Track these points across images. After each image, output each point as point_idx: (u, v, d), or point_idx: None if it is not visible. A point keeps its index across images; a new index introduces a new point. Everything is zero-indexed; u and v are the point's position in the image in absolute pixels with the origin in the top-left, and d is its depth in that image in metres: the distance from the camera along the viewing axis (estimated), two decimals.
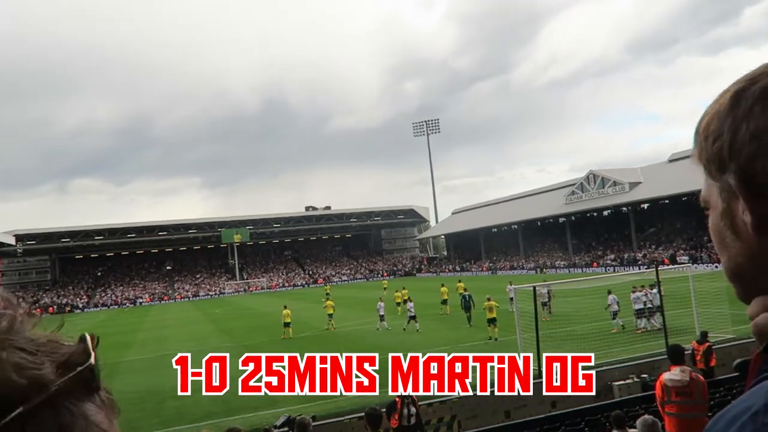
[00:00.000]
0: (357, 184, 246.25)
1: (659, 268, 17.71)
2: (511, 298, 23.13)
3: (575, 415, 10.74)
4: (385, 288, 55.56)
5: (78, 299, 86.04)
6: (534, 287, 17.29)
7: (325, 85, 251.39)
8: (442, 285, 35.58)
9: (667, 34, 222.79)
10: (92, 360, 0.48)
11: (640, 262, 56.67)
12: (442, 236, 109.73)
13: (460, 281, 40.45)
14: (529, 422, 10.82)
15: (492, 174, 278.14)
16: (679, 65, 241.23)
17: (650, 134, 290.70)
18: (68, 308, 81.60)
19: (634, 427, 6.46)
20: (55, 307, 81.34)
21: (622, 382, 13.41)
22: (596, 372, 13.92)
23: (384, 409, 9.46)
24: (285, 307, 29.39)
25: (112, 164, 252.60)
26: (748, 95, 0.60)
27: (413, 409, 10.18)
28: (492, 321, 22.72)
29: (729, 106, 0.63)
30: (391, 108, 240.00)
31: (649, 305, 21.14)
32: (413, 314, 26.70)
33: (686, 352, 9.93)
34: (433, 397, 13.06)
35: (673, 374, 6.30)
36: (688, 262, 44.30)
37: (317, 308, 42.04)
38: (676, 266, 38.03)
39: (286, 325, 28.35)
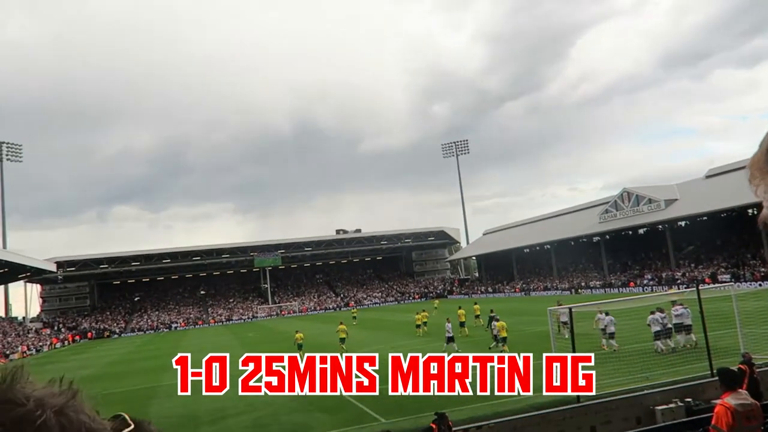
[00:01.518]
0: (387, 206, 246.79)
1: (700, 287, 17.20)
2: (564, 321, 22.98)
3: None
4: (435, 307, 55.47)
5: (115, 324, 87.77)
6: (570, 308, 16.97)
7: (355, 108, 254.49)
8: (459, 307, 36.03)
9: (701, 47, 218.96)
10: None
11: (679, 281, 55.14)
12: (473, 257, 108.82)
13: (476, 303, 41.12)
14: None
15: (523, 194, 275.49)
16: (714, 78, 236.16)
17: (686, 150, 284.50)
18: (106, 333, 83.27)
19: None
20: (93, 332, 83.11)
21: (665, 406, 12.97)
22: (637, 396, 13.53)
23: None
24: (297, 331, 30.91)
25: (148, 191, 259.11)
26: None
27: None
28: (503, 340, 24.42)
29: None
30: (421, 129, 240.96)
31: (668, 326, 20.88)
32: (451, 335, 26.44)
33: None
34: (469, 421, 12.87)
35: (740, 398, 6.03)
36: (730, 281, 42.85)
37: (351, 330, 42.01)
38: (717, 285, 36.83)
39: (299, 347, 28.79)
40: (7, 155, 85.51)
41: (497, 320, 25.98)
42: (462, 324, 33.34)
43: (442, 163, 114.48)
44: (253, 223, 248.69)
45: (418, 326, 36.04)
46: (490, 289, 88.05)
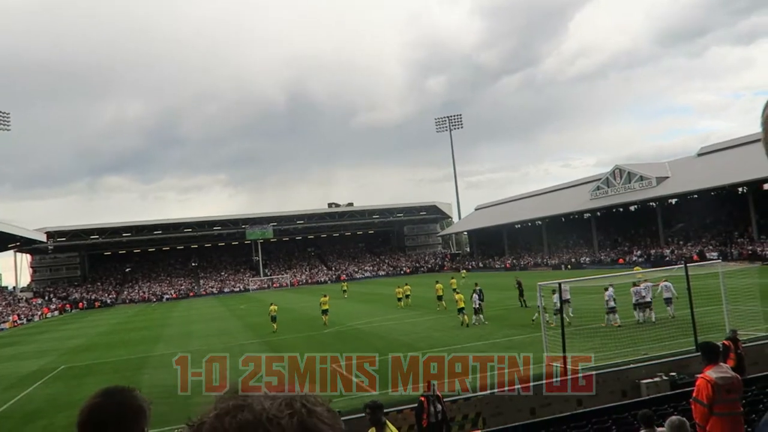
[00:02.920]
0: (380, 180, 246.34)
1: (688, 264, 17.39)
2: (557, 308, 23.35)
3: (602, 413, 10.63)
4: (464, 277, 56.19)
5: (106, 295, 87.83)
6: (559, 283, 17.13)
7: (350, 80, 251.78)
8: (437, 282, 37.21)
9: (698, 24, 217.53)
10: None
11: (668, 258, 55.71)
12: (465, 233, 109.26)
13: (452, 278, 42.11)
14: (555, 420, 10.74)
15: (516, 169, 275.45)
16: (711, 56, 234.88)
17: (680, 127, 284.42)
18: (97, 303, 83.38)
19: (663, 426, 6.35)
20: (84, 302, 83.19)
21: (650, 380, 13.22)
22: (623, 370, 13.76)
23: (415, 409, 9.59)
24: (271, 304, 32.83)
25: (140, 162, 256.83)
26: None
27: (439, 406, 10.19)
28: (461, 310, 26.43)
29: None
30: (416, 103, 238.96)
31: (646, 299, 22.18)
32: (478, 305, 26.27)
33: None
34: (458, 394, 13.06)
35: (720, 371, 6.14)
36: (718, 258, 43.36)
37: (342, 303, 42.32)
38: (705, 262, 37.26)
39: (273, 319, 31.18)
40: None
41: (456, 292, 28.35)
42: (439, 298, 34.55)
43: (436, 137, 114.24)
44: (245, 196, 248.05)
45: (399, 299, 37.63)
46: (480, 264, 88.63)
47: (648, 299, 22.24)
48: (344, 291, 53.36)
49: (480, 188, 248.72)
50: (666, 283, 22.66)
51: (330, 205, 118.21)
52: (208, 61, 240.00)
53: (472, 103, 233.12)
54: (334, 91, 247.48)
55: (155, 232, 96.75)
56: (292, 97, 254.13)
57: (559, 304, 22.18)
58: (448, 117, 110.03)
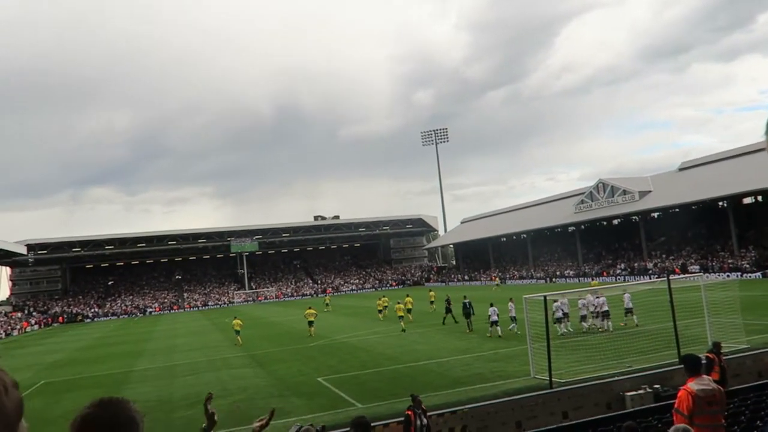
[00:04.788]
0: (367, 192, 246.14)
1: (670, 277, 17.60)
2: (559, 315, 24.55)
3: (587, 426, 10.68)
4: (497, 285, 57.50)
5: (88, 308, 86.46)
6: (545, 297, 17.23)
7: (337, 93, 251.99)
8: (407, 295, 38.94)
9: (681, 41, 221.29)
10: None
11: (650, 271, 56.27)
12: (451, 245, 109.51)
13: (431, 291, 43.22)
14: None
15: (502, 183, 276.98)
16: (693, 72, 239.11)
17: (662, 142, 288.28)
18: (79, 317, 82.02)
19: None
20: (65, 316, 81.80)
21: (634, 392, 13.31)
22: (608, 382, 13.85)
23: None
24: (235, 317, 33.47)
25: (125, 174, 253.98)
26: None
27: (425, 420, 10.16)
28: (401, 318, 31.47)
29: None
30: (403, 116, 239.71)
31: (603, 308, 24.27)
32: (514, 314, 26.26)
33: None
34: (445, 406, 13.05)
35: (702, 384, 6.20)
36: (699, 271, 43.91)
37: (326, 317, 42.12)
38: (687, 275, 37.73)
39: (237, 333, 31.84)
40: None
41: (449, 303, 31.14)
42: (409, 311, 35.23)
43: (423, 150, 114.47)
44: (230, 208, 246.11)
45: (380, 311, 39.21)
46: (466, 277, 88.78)
47: (605, 309, 24.17)
48: (327, 305, 53.15)
49: (466, 201, 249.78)
50: (627, 294, 24.34)
51: (316, 217, 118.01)
52: (194, 73, 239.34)
53: (459, 117, 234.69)
54: (321, 103, 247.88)
55: (139, 245, 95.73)
56: (278, 109, 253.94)
57: (560, 314, 23.87)
58: (434, 130, 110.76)
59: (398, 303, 33.39)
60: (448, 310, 32.03)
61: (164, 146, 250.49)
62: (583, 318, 24.54)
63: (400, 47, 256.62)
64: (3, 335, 62.07)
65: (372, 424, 12.27)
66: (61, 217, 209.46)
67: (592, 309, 24.67)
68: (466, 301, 28.14)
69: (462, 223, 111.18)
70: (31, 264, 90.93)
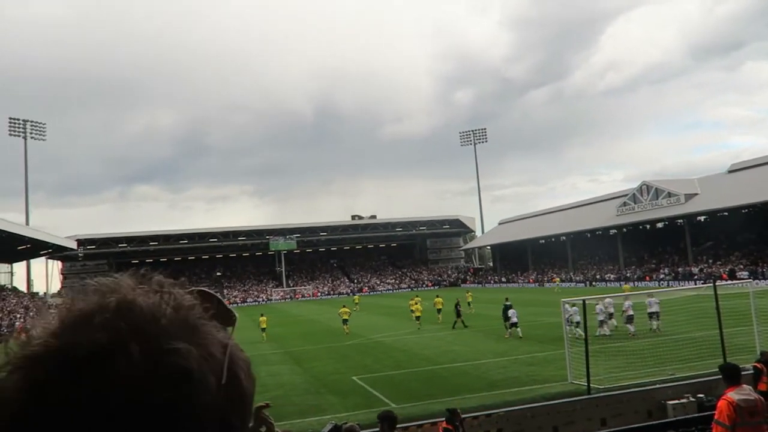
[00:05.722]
0: (404, 192, 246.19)
1: (717, 283, 17.03)
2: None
3: None
4: (558, 286, 60.08)
5: None
6: (584, 300, 16.93)
7: (377, 92, 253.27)
8: (437, 296, 38.29)
9: (733, 38, 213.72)
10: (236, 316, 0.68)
11: (696, 277, 54.53)
12: (488, 247, 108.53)
13: (468, 292, 42.83)
14: None
15: (542, 184, 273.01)
16: (745, 70, 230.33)
17: (711, 143, 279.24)
18: None
19: None
20: None
21: (676, 401, 12.94)
22: (649, 390, 13.51)
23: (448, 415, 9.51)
24: (262, 315, 34.98)
25: (169, 172, 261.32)
26: None
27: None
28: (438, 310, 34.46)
29: None
30: (443, 115, 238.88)
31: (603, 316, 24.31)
32: (515, 321, 26.32)
33: (745, 372, 9.47)
34: (480, 409, 12.96)
35: (742, 393, 6.01)
36: (748, 278, 42.29)
37: (361, 316, 42.36)
38: (735, 282, 36.40)
39: (263, 330, 33.31)
40: (31, 134, 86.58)
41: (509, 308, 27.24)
42: (439, 311, 35.37)
43: (462, 150, 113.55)
44: (270, 206, 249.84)
45: (439, 311, 36.55)
46: (503, 279, 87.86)
47: (630, 313, 24.12)
48: (356, 304, 53.33)
49: (505, 202, 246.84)
50: (652, 299, 23.99)
51: (353, 217, 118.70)
52: (237, 73, 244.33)
53: (499, 116, 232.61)
54: (360, 102, 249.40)
55: (181, 242, 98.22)
56: (318, 108, 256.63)
57: (601, 318, 23.97)
58: (472, 130, 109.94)
59: (411, 301, 35.95)
60: (458, 314, 31.56)
61: (207, 145, 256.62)
62: (601, 323, 24.33)
63: (440, 45, 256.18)
64: None
65: (406, 425, 12.30)
66: (109, 213, 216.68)
67: (612, 311, 24.81)
68: (508, 303, 27.62)
69: (500, 224, 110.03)
70: (81, 258, 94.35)
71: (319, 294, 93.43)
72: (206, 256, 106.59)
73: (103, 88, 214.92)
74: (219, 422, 0.55)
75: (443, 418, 10.20)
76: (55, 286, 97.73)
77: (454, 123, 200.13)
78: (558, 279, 71.24)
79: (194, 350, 0.56)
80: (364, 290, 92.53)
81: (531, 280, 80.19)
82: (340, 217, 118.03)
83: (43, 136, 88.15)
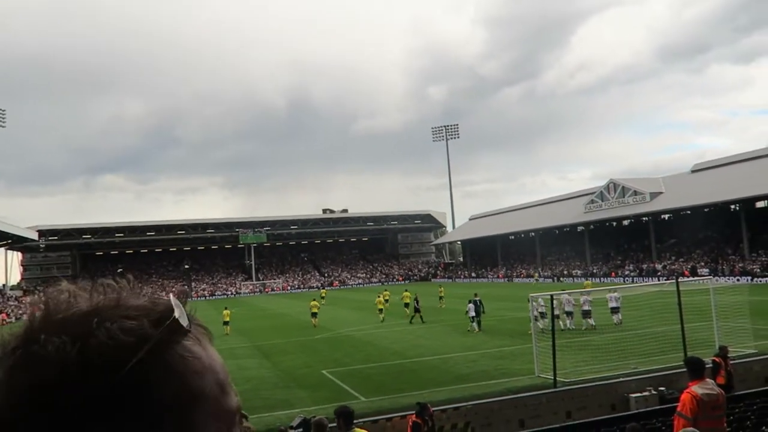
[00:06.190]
0: (377, 187, 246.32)
1: (679, 280, 17.48)
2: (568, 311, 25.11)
3: (590, 426, 10.66)
4: (536, 280, 62.23)
5: None
6: (551, 295, 17.20)
7: (351, 86, 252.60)
8: (405, 290, 38.65)
9: (700, 41, 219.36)
10: (175, 314, 0.60)
11: (659, 273, 55.94)
12: (459, 242, 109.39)
13: (440, 287, 42.96)
14: (544, 431, 10.76)
15: (513, 180, 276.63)
16: (710, 74, 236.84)
17: (677, 144, 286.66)
18: None
19: None
20: None
21: (638, 394, 13.26)
22: (613, 383, 13.81)
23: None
24: (225, 308, 34.75)
25: (137, 162, 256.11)
26: None
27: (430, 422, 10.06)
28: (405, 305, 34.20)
29: None
30: (416, 111, 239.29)
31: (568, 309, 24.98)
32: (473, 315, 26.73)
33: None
34: (448, 402, 13.06)
35: (706, 387, 6.15)
36: (709, 275, 43.59)
37: (330, 310, 42.29)
38: (696, 278, 37.48)
39: (225, 323, 32.69)
40: None
41: (475, 303, 27.32)
42: (406, 305, 35.34)
43: (435, 146, 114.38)
44: (240, 199, 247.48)
45: (406, 305, 36.79)
46: (473, 274, 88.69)
47: (586, 308, 24.92)
48: (322, 298, 53.19)
49: (476, 198, 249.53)
50: (614, 294, 24.95)
51: (324, 210, 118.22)
52: (209, 63, 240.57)
53: (472, 113, 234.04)
54: (334, 96, 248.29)
55: (148, 233, 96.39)
56: (291, 101, 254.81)
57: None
58: (445, 126, 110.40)
59: (380, 297, 36.21)
60: (417, 310, 31.99)
61: (176, 136, 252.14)
62: (556, 317, 24.98)
63: (415, 41, 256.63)
64: (14, 319, 62.77)
65: (375, 418, 12.32)
66: (73, 203, 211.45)
67: (568, 309, 25.16)
68: (477, 299, 27.84)
69: (470, 219, 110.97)
70: (42, 249, 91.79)
71: (289, 288, 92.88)
72: (174, 249, 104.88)
73: (69, 75, 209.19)
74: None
75: (413, 411, 10.27)
76: (15, 278, 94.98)
77: (428, 119, 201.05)
78: (537, 274, 72.18)
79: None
80: (334, 284, 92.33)
81: (500, 276, 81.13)
82: (311, 211, 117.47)
83: (3, 123, 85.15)
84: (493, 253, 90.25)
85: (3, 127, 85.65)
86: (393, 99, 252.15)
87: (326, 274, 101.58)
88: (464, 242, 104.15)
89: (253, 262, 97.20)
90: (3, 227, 65.61)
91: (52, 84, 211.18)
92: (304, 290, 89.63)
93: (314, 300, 36.20)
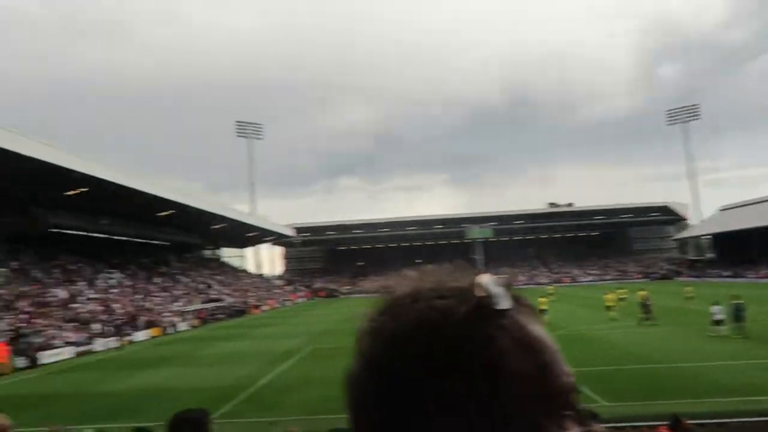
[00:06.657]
0: (602, 178, 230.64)
1: None
2: None
3: None
4: None
5: (343, 286, 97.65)
6: None
7: (571, 74, 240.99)
8: (642, 289, 35.46)
9: None
10: (488, 294, 0.65)
11: None
12: (707, 236, 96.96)
13: (642, 289, 38.68)
14: None
15: None
16: None
17: None
18: (335, 293, 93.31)
19: None
20: (325, 291, 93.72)
21: None
22: None
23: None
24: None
25: (369, 164, 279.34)
26: None
27: None
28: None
29: None
30: (644, 94, 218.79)
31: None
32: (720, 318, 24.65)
33: None
34: (707, 416, 12.16)
35: None
36: None
37: (562, 307, 41.39)
38: None
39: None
40: (254, 133, 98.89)
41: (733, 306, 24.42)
42: (642, 306, 32.06)
43: (667, 131, 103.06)
44: (464, 195, 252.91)
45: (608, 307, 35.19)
46: (726, 273, 77.97)
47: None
48: (550, 294, 51.80)
49: (725, 187, 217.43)
50: None
51: (549, 204, 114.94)
52: (426, 67, 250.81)
53: (712, 91, 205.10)
54: (554, 87, 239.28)
55: (381, 230, 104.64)
56: (511, 95, 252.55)
57: None
58: (682, 107, 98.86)
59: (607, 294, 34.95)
60: (646, 310, 30.40)
61: (403, 137, 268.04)
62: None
63: (639, 18, 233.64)
64: (279, 305, 73.73)
65: (620, 425, 12.03)
66: (316, 204, 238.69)
67: None
68: (740, 302, 24.62)
69: (720, 211, 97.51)
70: (299, 245, 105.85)
71: (517, 283, 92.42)
72: (406, 244, 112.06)
73: (308, 90, 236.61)
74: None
75: (665, 422, 9.90)
76: (278, 269, 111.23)
77: (659, 102, 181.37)
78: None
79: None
80: (564, 280, 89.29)
81: (762, 275, 70.01)
82: (534, 206, 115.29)
83: (260, 135, 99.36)
84: (749, 249, 78.18)
85: (261, 139, 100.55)
86: (616, 84, 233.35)
87: (554, 270, 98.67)
88: (716, 236, 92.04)
89: (480, 257, 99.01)
90: (269, 226, 77.59)
91: (295, 100, 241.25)
92: (532, 286, 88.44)
93: (542, 297, 35.95)
